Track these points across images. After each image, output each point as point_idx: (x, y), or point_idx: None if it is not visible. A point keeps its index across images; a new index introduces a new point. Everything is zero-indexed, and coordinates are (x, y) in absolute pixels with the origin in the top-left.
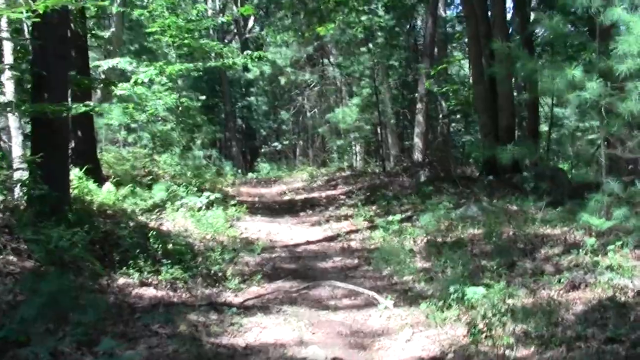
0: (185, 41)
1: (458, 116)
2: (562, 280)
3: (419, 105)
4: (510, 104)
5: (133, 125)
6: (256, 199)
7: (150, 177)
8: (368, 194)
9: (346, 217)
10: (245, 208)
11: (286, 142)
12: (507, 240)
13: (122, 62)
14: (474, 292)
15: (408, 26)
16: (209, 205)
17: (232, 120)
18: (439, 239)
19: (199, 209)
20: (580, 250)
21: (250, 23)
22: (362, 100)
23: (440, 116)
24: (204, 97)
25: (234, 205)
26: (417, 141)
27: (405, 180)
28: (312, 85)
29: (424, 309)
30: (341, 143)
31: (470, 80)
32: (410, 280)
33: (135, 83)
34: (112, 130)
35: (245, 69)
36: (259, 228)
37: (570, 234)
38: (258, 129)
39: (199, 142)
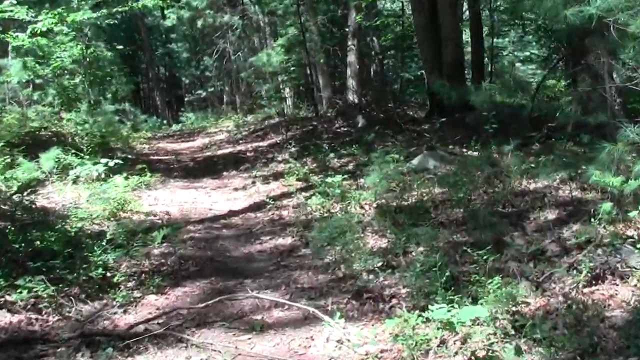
0: None
1: (393, 52)
2: (579, 269)
3: (350, 43)
4: (457, 35)
5: (38, 81)
6: (173, 156)
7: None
8: (301, 145)
9: (276, 176)
10: (157, 172)
11: (211, 89)
12: (481, 203)
13: (20, 11)
14: (467, 314)
15: None
16: (111, 172)
17: (153, 69)
18: (393, 204)
19: (97, 179)
20: (588, 217)
21: None
22: (287, 40)
23: (373, 53)
24: (120, 47)
25: (143, 169)
26: (351, 81)
27: (342, 125)
28: (233, 27)
29: (390, 327)
30: (268, 87)
31: (408, 11)
32: (363, 272)
33: (33, 33)
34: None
35: (163, 15)
36: (171, 197)
37: (560, 188)
38: (181, 77)
39: (110, 95)
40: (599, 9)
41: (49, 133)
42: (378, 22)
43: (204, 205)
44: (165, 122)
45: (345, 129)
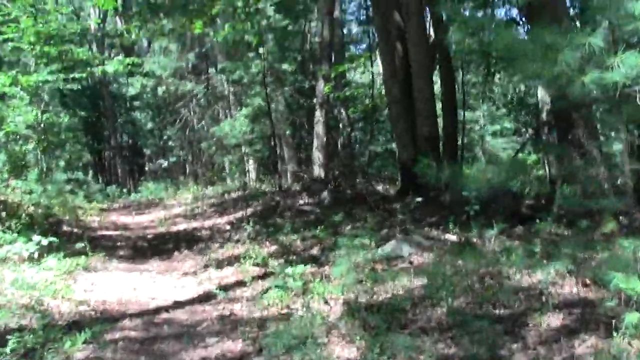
0: (46, 49)
1: (361, 124)
2: None
3: (317, 114)
4: (432, 108)
5: None
6: (123, 232)
7: None
8: (261, 223)
9: (232, 260)
10: (100, 251)
11: (173, 159)
12: (467, 302)
13: None
14: None
15: (303, 27)
16: (44, 252)
17: (115, 137)
18: (363, 300)
19: (30, 259)
20: (605, 327)
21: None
22: (252, 110)
23: (341, 126)
24: (83, 114)
25: (85, 247)
26: (317, 154)
27: (307, 202)
28: (197, 96)
29: None
30: (230, 159)
31: (377, 84)
32: None
33: None
34: None
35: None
36: (111, 282)
37: (558, 283)
38: (144, 146)
39: (63, 163)
40: (626, 76)
41: None
42: (347, 94)
43: (147, 293)
44: (125, 191)
45: (310, 206)
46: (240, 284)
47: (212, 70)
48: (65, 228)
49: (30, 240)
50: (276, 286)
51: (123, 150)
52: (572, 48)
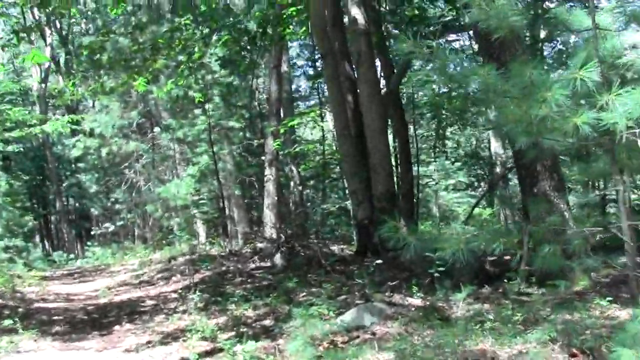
0: None
1: (313, 182)
2: None
3: (267, 172)
4: (388, 164)
5: None
6: (63, 303)
7: None
8: (210, 290)
9: (177, 334)
10: (33, 327)
11: (120, 223)
12: None
13: None
14: None
15: (250, 83)
16: None
17: (61, 200)
18: None
19: None
20: None
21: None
22: (199, 169)
23: (292, 184)
24: (26, 177)
25: (14, 324)
26: (268, 213)
27: (258, 267)
28: (142, 157)
29: None
30: (177, 221)
31: (329, 139)
32: None
33: None
34: None
35: (70, 144)
36: None
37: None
38: (90, 209)
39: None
40: (628, 116)
41: None
42: (297, 150)
43: None
44: (73, 256)
45: (262, 271)
46: None
47: (157, 129)
48: None
49: None
50: None
51: (69, 214)
52: (562, 85)
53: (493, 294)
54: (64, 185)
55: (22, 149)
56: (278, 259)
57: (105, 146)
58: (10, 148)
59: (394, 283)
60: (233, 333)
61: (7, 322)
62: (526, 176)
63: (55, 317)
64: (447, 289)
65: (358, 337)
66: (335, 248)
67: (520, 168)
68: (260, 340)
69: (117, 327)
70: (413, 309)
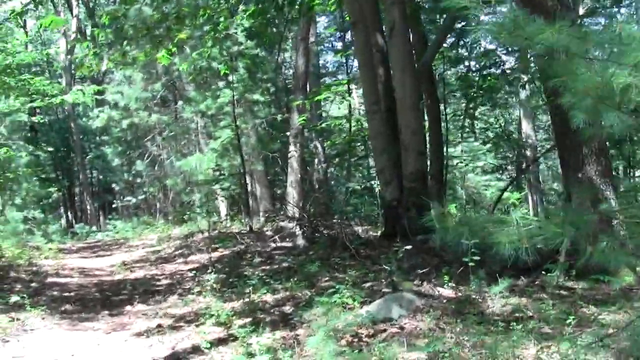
0: (2, 77)
1: (337, 160)
2: None
3: (291, 148)
4: (420, 142)
5: None
6: (77, 279)
7: None
8: (227, 270)
9: (190, 318)
10: (42, 304)
11: (142, 197)
12: None
13: None
14: None
15: (276, 56)
16: None
17: (84, 173)
18: None
19: None
20: None
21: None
22: (221, 143)
23: (316, 161)
24: (51, 149)
25: (23, 299)
26: (291, 191)
27: (279, 247)
28: (166, 130)
29: None
30: (198, 197)
31: (358, 113)
32: None
33: None
34: None
35: (91, 114)
36: (47, 346)
37: None
38: (113, 182)
39: (19, 201)
40: None
41: None
42: (324, 125)
43: None
44: (95, 229)
45: (283, 252)
46: (196, 350)
47: (180, 102)
48: (12, 274)
49: None
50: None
51: (93, 186)
52: None
53: (530, 286)
54: (88, 157)
55: (47, 121)
56: (300, 239)
57: (127, 118)
58: (35, 119)
59: (423, 271)
60: (249, 319)
61: (15, 298)
62: (570, 160)
63: (67, 294)
64: (481, 279)
65: (385, 330)
66: (359, 229)
67: (564, 150)
68: (278, 329)
69: (128, 308)
70: (444, 300)
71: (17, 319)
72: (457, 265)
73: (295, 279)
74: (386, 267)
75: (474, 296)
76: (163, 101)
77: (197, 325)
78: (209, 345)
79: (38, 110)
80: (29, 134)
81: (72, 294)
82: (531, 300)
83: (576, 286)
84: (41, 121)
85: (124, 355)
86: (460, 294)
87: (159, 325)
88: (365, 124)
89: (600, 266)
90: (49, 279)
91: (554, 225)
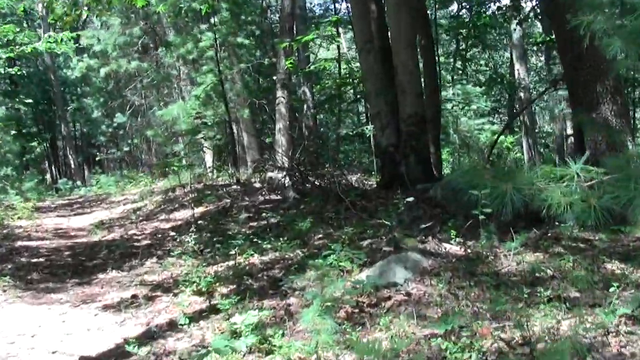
0: None
1: (327, 105)
2: None
3: (279, 94)
4: (417, 82)
5: None
6: (49, 241)
7: None
8: (211, 228)
9: (168, 286)
10: (5, 274)
11: (126, 149)
12: None
13: None
14: None
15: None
16: None
17: (66, 126)
18: None
19: None
20: None
21: None
22: (204, 90)
23: (305, 107)
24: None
25: None
26: (280, 138)
27: (267, 200)
28: (147, 77)
29: None
30: (182, 148)
31: (350, 54)
32: None
33: None
34: None
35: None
36: (4, 325)
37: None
38: (95, 135)
39: None
40: None
41: None
42: (312, 68)
43: (48, 342)
44: (79, 184)
45: (272, 205)
46: (173, 326)
47: (161, 49)
48: None
49: None
50: (216, 350)
51: (75, 140)
52: None
53: (543, 239)
54: (69, 109)
55: (25, 73)
56: (290, 191)
57: (105, 66)
58: (12, 70)
59: (427, 225)
60: (234, 287)
61: None
62: (584, 98)
63: (36, 259)
64: (492, 233)
65: (389, 298)
66: (353, 179)
67: (576, 87)
68: (266, 298)
69: (101, 275)
70: (453, 259)
71: None
72: (461, 216)
73: (286, 237)
74: (386, 222)
75: (484, 253)
76: (144, 49)
77: (175, 295)
78: (187, 321)
79: (18, 63)
80: (9, 88)
81: (41, 259)
82: (548, 256)
83: (592, 237)
84: (19, 73)
85: (90, 335)
86: (469, 250)
87: (134, 296)
88: (356, 67)
89: (620, 215)
90: (19, 243)
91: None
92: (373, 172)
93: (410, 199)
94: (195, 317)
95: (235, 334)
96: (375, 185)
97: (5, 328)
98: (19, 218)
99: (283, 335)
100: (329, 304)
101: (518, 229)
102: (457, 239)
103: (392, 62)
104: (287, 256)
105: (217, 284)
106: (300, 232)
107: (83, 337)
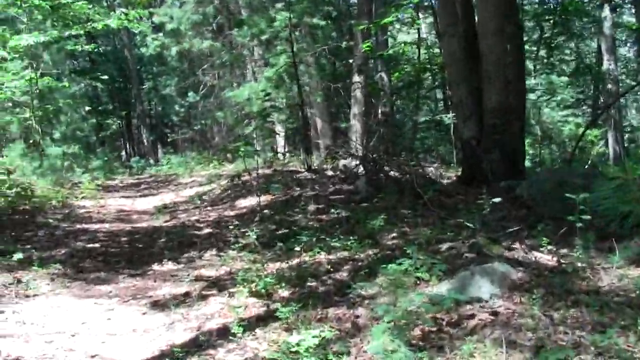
0: (36, 1)
1: (404, 92)
2: None
3: (355, 78)
4: (504, 70)
5: None
6: (109, 224)
7: None
8: (276, 219)
9: (224, 284)
10: (57, 261)
11: (197, 128)
12: None
13: None
14: None
15: None
16: None
17: (141, 104)
18: None
19: None
20: None
21: None
22: (277, 72)
23: (382, 93)
24: (105, 77)
25: (30, 258)
26: (355, 124)
27: (338, 189)
28: (222, 57)
29: None
30: (254, 131)
31: (431, 39)
32: None
33: None
34: None
35: (144, 43)
36: (46, 321)
37: None
38: (168, 114)
39: (59, 134)
40: None
41: None
42: (391, 51)
43: (89, 345)
44: (152, 162)
45: (342, 197)
46: (225, 334)
47: (236, 29)
48: (40, 219)
49: None
50: None
51: (150, 118)
52: None
53: None
54: (144, 88)
55: (102, 50)
56: (362, 183)
57: (178, 44)
58: (88, 47)
59: (514, 229)
60: (296, 290)
61: (18, 257)
62: None
63: (91, 245)
64: (590, 243)
65: (472, 316)
66: (431, 171)
67: None
68: (331, 305)
69: (155, 266)
70: (545, 271)
71: (19, 281)
72: (552, 220)
73: (356, 235)
74: (468, 224)
75: (581, 266)
76: (218, 29)
77: (231, 295)
78: (241, 330)
79: (99, 42)
80: (87, 65)
81: (97, 245)
82: None
83: None
84: (94, 50)
85: (135, 338)
86: (563, 261)
87: (186, 294)
88: (437, 53)
89: None
90: (78, 225)
91: None
92: (452, 164)
93: (497, 199)
94: (251, 325)
95: (293, 354)
96: (455, 180)
97: (46, 323)
98: (83, 198)
99: (348, 354)
100: (402, 322)
101: (616, 238)
102: (549, 247)
103: (477, 48)
104: (356, 257)
105: (278, 285)
106: (373, 230)
107: (127, 339)
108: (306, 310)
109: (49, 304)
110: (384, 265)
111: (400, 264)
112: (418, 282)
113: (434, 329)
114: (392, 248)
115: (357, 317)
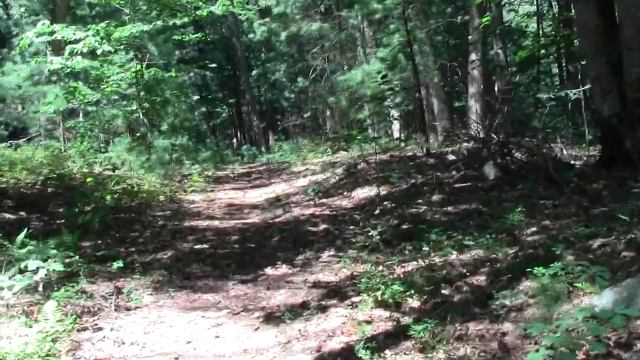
0: None
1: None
2: None
3: (472, 56)
4: None
5: (90, 109)
6: (219, 221)
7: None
8: (398, 213)
9: (345, 291)
10: (158, 269)
11: (307, 115)
12: None
13: (62, 30)
14: None
15: None
16: (47, 286)
17: (250, 91)
18: None
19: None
20: None
21: None
22: (390, 52)
23: (498, 69)
24: (214, 65)
25: (133, 265)
26: (473, 104)
27: (463, 176)
28: (332, 40)
29: None
30: (367, 115)
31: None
32: None
33: (71, 54)
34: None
35: (251, 29)
36: (145, 340)
37: None
38: (277, 100)
39: (166, 126)
40: None
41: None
42: (511, 25)
43: None
44: (264, 149)
45: (468, 184)
46: (349, 355)
47: (344, 11)
48: (146, 217)
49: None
50: None
51: (260, 105)
52: None
53: None
54: (253, 75)
55: (209, 39)
56: (489, 168)
57: (286, 29)
58: (195, 36)
59: None
60: (428, 298)
61: (117, 265)
62: None
63: (199, 246)
64: None
65: None
66: (563, 153)
67: None
68: (473, 319)
69: (269, 270)
70: None
71: (120, 291)
72: None
73: (490, 230)
74: (621, 216)
75: None
76: (326, 10)
77: (353, 306)
78: (369, 353)
79: (207, 31)
80: (195, 55)
81: (205, 246)
82: None
83: None
84: (202, 38)
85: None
86: None
87: (303, 304)
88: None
89: None
90: (186, 223)
91: None
92: (584, 144)
93: None
94: (379, 345)
95: None
96: (591, 162)
97: (147, 343)
98: (192, 191)
99: None
100: (563, 349)
101: None
102: None
103: (613, 15)
104: (493, 256)
105: (407, 295)
106: (512, 224)
107: None
108: (443, 326)
109: (151, 318)
110: (529, 268)
111: (548, 266)
112: (571, 289)
113: (603, 350)
114: (534, 246)
115: (504, 334)
